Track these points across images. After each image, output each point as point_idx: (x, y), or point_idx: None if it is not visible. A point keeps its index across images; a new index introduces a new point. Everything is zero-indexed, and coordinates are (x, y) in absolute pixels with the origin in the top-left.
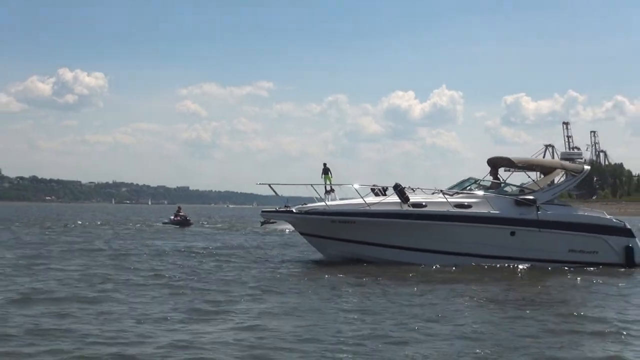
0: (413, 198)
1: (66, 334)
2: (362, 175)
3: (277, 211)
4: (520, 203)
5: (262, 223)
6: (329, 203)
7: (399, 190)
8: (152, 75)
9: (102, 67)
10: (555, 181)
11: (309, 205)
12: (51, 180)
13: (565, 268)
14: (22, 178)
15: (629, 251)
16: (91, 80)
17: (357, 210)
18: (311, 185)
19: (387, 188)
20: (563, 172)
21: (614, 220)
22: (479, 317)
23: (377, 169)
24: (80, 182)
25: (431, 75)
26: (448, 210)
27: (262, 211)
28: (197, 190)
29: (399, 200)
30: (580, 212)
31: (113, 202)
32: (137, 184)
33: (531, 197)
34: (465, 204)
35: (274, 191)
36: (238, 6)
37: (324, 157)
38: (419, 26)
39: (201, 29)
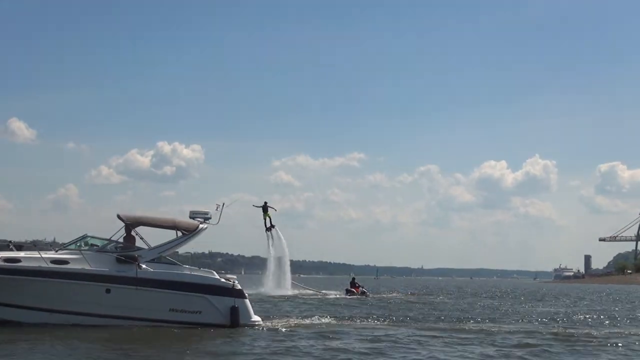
0: (13, 254)
1: None
2: (454, 244)
3: None
4: (120, 260)
5: None
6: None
7: None
8: (246, 147)
9: (199, 139)
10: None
11: None
12: None
13: (166, 327)
14: None
15: (234, 311)
16: (188, 152)
17: None
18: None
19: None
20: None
21: (222, 280)
22: None
23: (469, 238)
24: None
25: (523, 144)
26: (39, 266)
27: None
28: (291, 261)
29: None
30: (186, 272)
31: None
32: (232, 254)
33: (132, 255)
34: (63, 260)
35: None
36: (327, 79)
37: (416, 227)
38: (510, 97)
39: (293, 102)
